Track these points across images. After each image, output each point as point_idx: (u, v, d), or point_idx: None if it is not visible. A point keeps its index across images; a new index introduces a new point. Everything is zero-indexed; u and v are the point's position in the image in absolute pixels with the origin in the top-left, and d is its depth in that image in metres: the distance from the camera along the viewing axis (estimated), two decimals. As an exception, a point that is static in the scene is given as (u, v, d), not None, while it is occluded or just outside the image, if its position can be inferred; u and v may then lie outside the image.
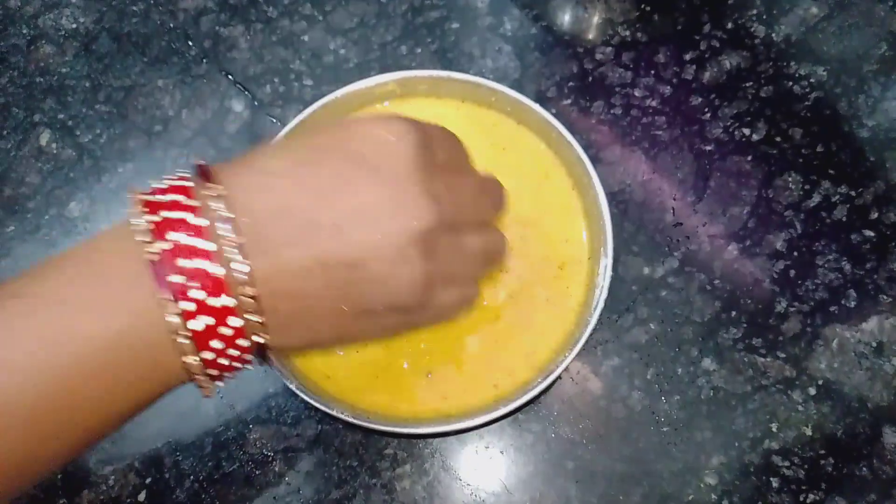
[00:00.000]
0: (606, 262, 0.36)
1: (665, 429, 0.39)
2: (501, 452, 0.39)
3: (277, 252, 0.24)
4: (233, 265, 0.23)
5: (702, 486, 0.38)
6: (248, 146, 0.45)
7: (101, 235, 0.24)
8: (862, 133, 0.45)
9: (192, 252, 0.23)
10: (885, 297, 0.41)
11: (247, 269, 0.23)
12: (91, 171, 0.45)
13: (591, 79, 0.46)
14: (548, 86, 0.46)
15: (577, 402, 0.40)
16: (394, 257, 0.25)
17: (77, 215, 0.45)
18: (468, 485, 0.38)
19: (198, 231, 0.23)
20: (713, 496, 0.38)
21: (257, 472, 0.38)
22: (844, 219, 0.43)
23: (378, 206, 0.25)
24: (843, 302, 0.41)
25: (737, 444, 0.38)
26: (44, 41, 0.49)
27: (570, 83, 0.46)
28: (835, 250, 0.42)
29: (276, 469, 0.38)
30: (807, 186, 0.43)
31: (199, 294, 0.23)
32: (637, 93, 0.46)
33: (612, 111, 0.46)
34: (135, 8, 0.50)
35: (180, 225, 0.23)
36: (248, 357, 0.25)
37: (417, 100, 0.42)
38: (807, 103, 0.45)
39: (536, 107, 0.39)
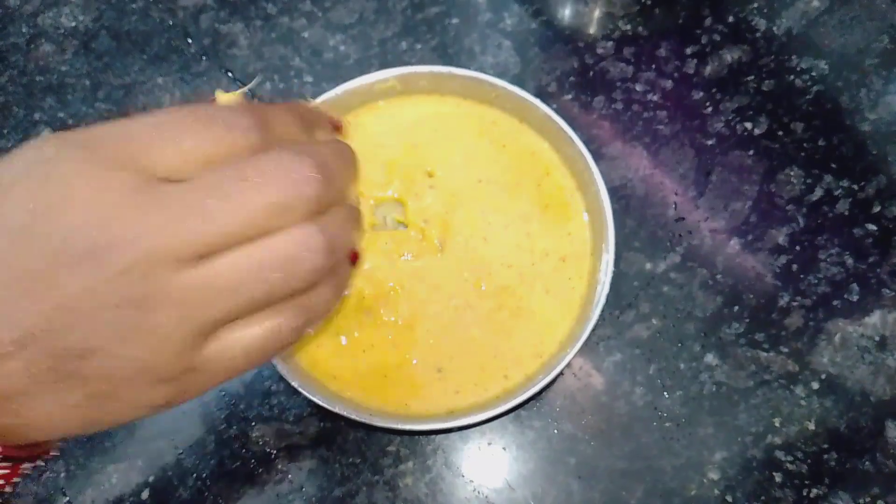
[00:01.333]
0: (608, 257, 0.36)
1: (667, 424, 0.39)
2: (504, 449, 0.39)
3: None
4: None
5: (705, 481, 0.38)
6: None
7: None
8: (864, 127, 0.44)
9: None
10: (887, 291, 0.41)
11: None
12: (91, 170, 0.45)
13: (591, 74, 0.46)
14: (548, 81, 0.46)
15: (580, 398, 0.40)
16: (98, 326, 0.19)
17: (78, 214, 0.45)
18: (471, 481, 0.38)
19: None
20: (716, 491, 0.38)
21: (260, 470, 0.38)
22: (847, 213, 0.43)
23: (58, 277, 0.19)
24: (845, 296, 0.41)
25: (739, 439, 0.38)
26: (43, 40, 0.49)
27: (571, 78, 0.46)
28: (837, 244, 0.42)
29: (279, 466, 0.38)
30: (809, 180, 0.43)
31: None
32: (638, 87, 0.46)
33: (613, 106, 0.45)
34: (134, 6, 0.50)
35: None
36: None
37: (419, 97, 0.42)
38: (808, 97, 0.45)
39: (537, 102, 0.39)
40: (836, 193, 0.43)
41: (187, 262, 0.19)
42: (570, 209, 0.40)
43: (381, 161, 0.40)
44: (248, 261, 0.20)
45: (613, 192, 0.42)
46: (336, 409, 0.34)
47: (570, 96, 0.46)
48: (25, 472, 0.22)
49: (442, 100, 0.41)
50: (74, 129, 0.20)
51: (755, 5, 0.47)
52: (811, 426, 0.39)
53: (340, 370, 0.37)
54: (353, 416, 0.34)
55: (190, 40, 0.48)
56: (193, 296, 0.19)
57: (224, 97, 0.27)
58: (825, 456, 0.38)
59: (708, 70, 0.46)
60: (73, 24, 0.49)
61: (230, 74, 0.47)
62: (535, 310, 0.38)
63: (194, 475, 0.38)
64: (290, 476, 0.38)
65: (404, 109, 0.41)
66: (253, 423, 0.39)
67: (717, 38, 0.47)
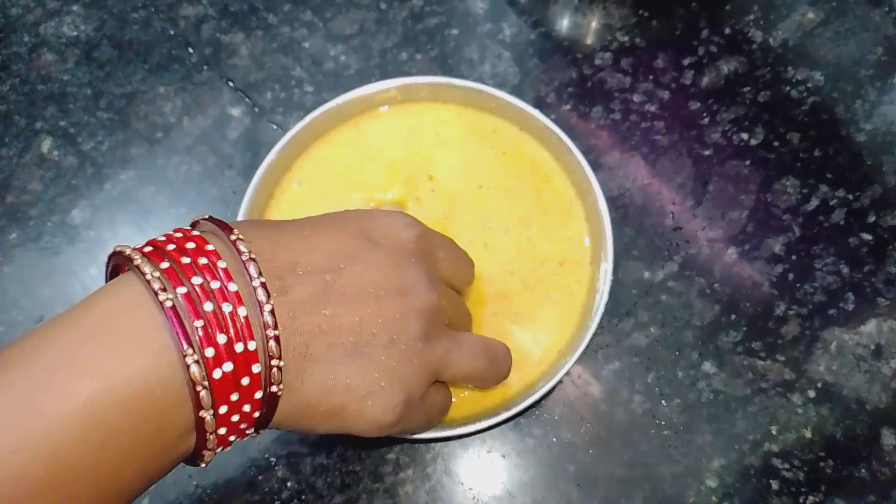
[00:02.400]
0: (607, 265, 0.37)
1: (666, 432, 0.39)
2: (503, 456, 0.39)
3: (296, 300, 0.25)
4: (263, 307, 0.23)
5: (702, 488, 0.38)
6: (249, 152, 0.46)
7: (103, 289, 0.23)
8: (859, 137, 0.45)
9: (215, 295, 0.22)
10: (883, 300, 0.41)
11: (270, 308, 0.23)
12: (93, 179, 0.46)
13: (590, 84, 0.47)
14: (547, 91, 0.47)
15: (579, 405, 0.40)
16: (398, 325, 0.27)
17: (79, 223, 0.45)
18: (470, 489, 0.38)
19: (218, 274, 0.22)
20: (714, 498, 0.38)
21: (260, 478, 0.39)
22: (842, 222, 0.43)
23: (388, 285, 0.27)
24: (841, 305, 0.41)
25: (737, 447, 0.39)
26: (45, 49, 0.49)
27: (570, 89, 0.47)
28: (833, 254, 0.42)
29: (279, 474, 0.39)
30: (805, 190, 0.44)
31: (222, 338, 0.22)
32: (636, 98, 0.46)
33: (611, 116, 0.46)
34: (136, 15, 0.50)
35: (199, 270, 0.22)
36: (255, 416, 0.24)
37: (420, 104, 0.42)
38: (804, 108, 0.46)
39: (536, 113, 0.39)
40: (832, 203, 0.43)
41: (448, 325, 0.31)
42: (570, 215, 0.40)
43: (382, 164, 0.41)
44: (481, 347, 0.32)
45: (612, 201, 0.43)
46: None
47: (568, 106, 0.46)
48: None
49: (443, 107, 0.42)
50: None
51: (751, 17, 0.48)
52: (808, 434, 0.39)
53: None
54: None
55: (191, 50, 0.49)
56: (447, 343, 0.30)
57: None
58: (822, 463, 0.38)
59: (705, 81, 0.47)
60: (75, 33, 0.50)
61: (231, 84, 0.48)
62: (534, 316, 0.38)
63: (195, 483, 0.39)
64: (289, 483, 0.38)
65: (408, 115, 0.42)
66: (253, 431, 0.39)
67: (713, 49, 0.47)
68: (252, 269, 0.23)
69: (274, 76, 0.48)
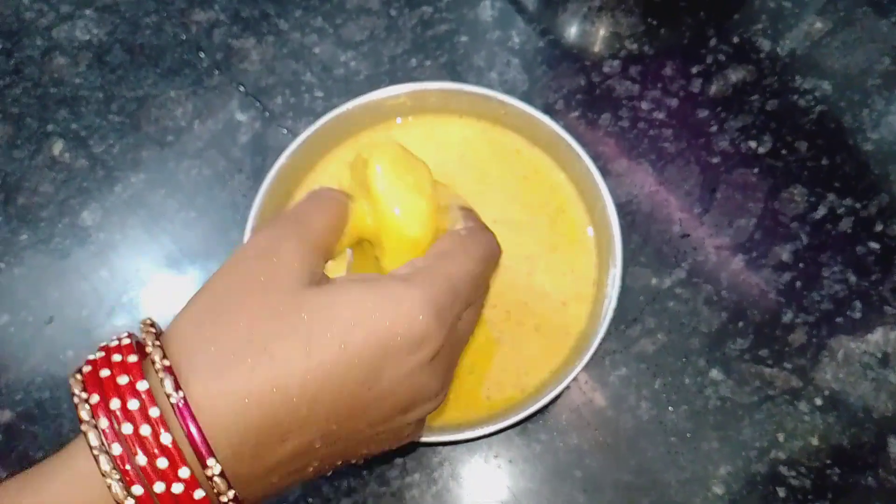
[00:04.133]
0: (615, 272, 0.37)
1: (672, 439, 0.39)
2: (510, 462, 0.39)
3: (265, 467, 0.23)
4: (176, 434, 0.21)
5: (709, 495, 0.38)
6: (259, 157, 0.46)
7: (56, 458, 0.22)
8: (866, 146, 0.45)
9: (146, 447, 0.21)
10: (890, 308, 0.41)
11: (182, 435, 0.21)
12: (104, 181, 0.46)
13: (598, 92, 0.47)
14: (556, 98, 0.47)
15: (585, 411, 0.40)
16: (415, 391, 0.25)
17: (90, 224, 0.45)
18: (477, 494, 0.38)
19: (151, 421, 0.21)
20: (721, 506, 0.38)
21: (268, 480, 0.39)
22: (850, 231, 0.43)
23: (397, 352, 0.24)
24: (848, 313, 0.41)
25: (744, 454, 0.39)
26: (57, 52, 0.50)
27: (578, 96, 0.47)
28: (840, 262, 0.42)
29: (287, 477, 0.39)
30: (812, 199, 0.44)
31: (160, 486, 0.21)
32: (644, 105, 0.46)
33: (619, 124, 0.46)
34: (148, 20, 0.50)
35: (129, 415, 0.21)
36: None
37: (448, 118, 0.42)
38: (812, 117, 0.46)
39: (546, 119, 0.40)
40: (840, 212, 0.44)
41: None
42: (580, 247, 0.40)
43: None
44: (474, 309, 0.29)
45: (619, 208, 0.43)
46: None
47: (576, 113, 0.46)
48: None
49: (469, 123, 0.42)
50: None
51: (759, 26, 0.48)
52: (814, 441, 0.39)
53: None
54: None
55: (203, 55, 0.49)
56: (457, 348, 0.28)
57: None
58: (828, 471, 0.38)
59: (713, 89, 0.47)
60: (88, 37, 0.50)
61: (242, 88, 0.48)
62: (524, 345, 0.38)
63: (202, 485, 0.39)
64: (297, 488, 0.39)
65: (435, 129, 0.42)
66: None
67: (721, 58, 0.47)
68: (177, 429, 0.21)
69: (284, 81, 0.48)
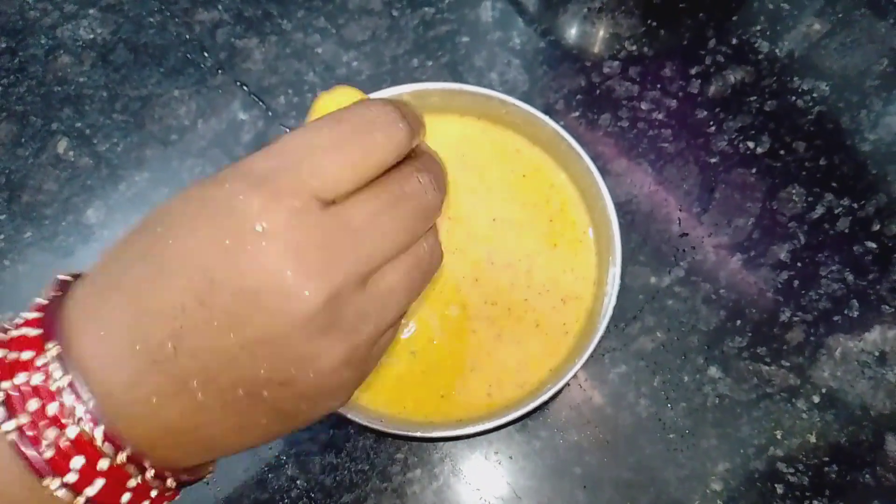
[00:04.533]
0: (615, 270, 0.37)
1: (671, 436, 0.40)
2: (510, 458, 0.39)
3: (141, 398, 0.20)
4: (92, 433, 0.20)
5: (708, 492, 0.38)
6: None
7: None
8: (864, 147, 0.45)
9: (55, 420, 0.20)
10: (887, 307, 0.42)
11: (100, 432, 0.20)
12: (108, 180, 0.46)
13: (598, 92, 0.47)
14: (556, 99, 0.47)
15: (585, 408, 0.40)
16: (294, 359, 0.20)
17: (94, 222, 0.45)
18: (477, 490, 0.39)
19: (50, 395, 0.20)
20: (719, 502, 0.38)
21: (270, 476, 0.39)
22: (847, 230, 0.44)
23: (251, 315, 0.20)
24: (846, 312, 0.42)
25: (742, 451, 0.39)
26: (62, 51, 0.50)
27: (578, 96, 0.47)
28: (838, 261, 0.43)
29: (289, 472, 0.39)
30: (810, 199, 0.44)
31: (79, 461, 0.20)
32: (643, 106, 0.47)
33: (619, 124, 0.47)
34: (151, 20, 0.51)
35: (35, 391, 0.20)
36: (174, 487, 0.22)
37: (448, 117, 0.42)
38: (810, 117, 0.46)
39: (546, 119, 0.40)
40: (837, 211, 0.44)
41: (362, 284, 0.21)
42: (580, 246, 0.40)
43: None
44: (402, 273, 0.23)
45: (619, 207, 0.43)
46: (349, 416, 0.35)
47: (576, 114, 0.47)
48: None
49: (467, 122, 0.42)
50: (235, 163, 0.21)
51: (758, 28, 0.49)
52: (812, 439, 0.39)
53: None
54: (364, 423, 0.35)
55: (206, 54, 0.49)
56: (368, 313, 0.21)
57: (343, 92, 0.27)
58: (826, 468, 0.39)
59: (712, 90, 0.47)
60: (92, 36, 0.51)
61: (245, 88, 0.48)
62: (525, 342, 0.38)
63: (206, 483, 0.39)
64: (298, 482, 0.39)
65: (437, 128, 0.42)
66: (263, 430, 0.40)
67: (720, 59, 0.48)
68: (67, 397, 0.20)
69: (287, 81, 0.48)
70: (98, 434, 0.20)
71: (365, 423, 0.35)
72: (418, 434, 0.35)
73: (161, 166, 0.47)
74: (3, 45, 0.50)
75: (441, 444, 0.40)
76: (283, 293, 0.19)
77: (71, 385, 0.20)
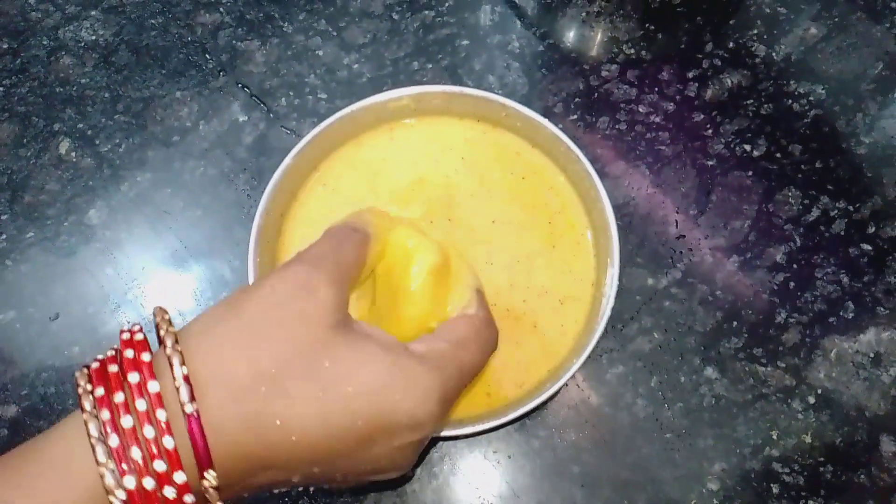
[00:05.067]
0: (613, 271, 0.37)
1: (668, 435, 0.40)
2: (509, 457, 0.40)
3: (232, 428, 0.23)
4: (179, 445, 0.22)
5: (704, 491, 0.39)
6: (263, 157, 0.47)
7: (52, 431, 0.23)
8: (860, 150, 0.46)
9: (146, 443, 0.21)
10: (882, 309, 0.42)
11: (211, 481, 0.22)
12: (110, 180, 0.47)
13: (596, 95, 0.48)
14: (554, 102, 0.48)
15: (583, 408, 0.41)
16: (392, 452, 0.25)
17: (96, 223, 0.46)
18: (476, 488, 0.39)
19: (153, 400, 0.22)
20: (715, 501, 0.39)
21: (270, 475, 0.39)
22: (843, 233, 0.44)
23: (373, 382, 0.24)
24: (841, 314, 0.42)
25: (738, 451, 0.40)
26: (64, 52, 0.50)
27: (577, 99, 0.48)
28: (833, 263, 0.43)
29: (289, 471, 0.39)
30: (806, 201, 0.45)
31: (149, 482, 0.21)
32: (641, 109, 0.47)
33: (616, 127, 0.47)
34: (153, 21, 0.51)
35: (131, 408, 0.22)
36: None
37: (450, 119, 0.43)
38: (806, 121, 0.47)
39: (545, 122, 0.40)
40: (833, 214, 0.44)
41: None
42: (579, 248, 0.41)
43: (409, 177, 0.42)
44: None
45: (617, 209, 0.44)
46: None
47: (575, 116, 0.47)
48: None
49: (467, 124, 0.43)
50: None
51: (755, 32, 0.49)
52: (808, 439, 0.40)
53: None
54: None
55: (208, 56, 0.50)
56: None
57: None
58: (821, 469, 0.39)
59: (709, 93, 0.48)
60: (94, 37, 0.51)
61: (246, 90, 0.49)
62: (523, 343, 0.39)
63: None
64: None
65: (439, 130, 0.43)
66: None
67: (717, 62, 0.48)
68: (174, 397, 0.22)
69: (288, 83, 0.49)
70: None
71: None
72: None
73: (163, 167, 0.47)
74: (6, 46, 0.51)
75: (440, 443, 0.40)
76: (420, 421, 0.25)
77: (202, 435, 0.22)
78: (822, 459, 0.39)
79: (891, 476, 0.39)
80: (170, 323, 0.24)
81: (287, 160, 0.40)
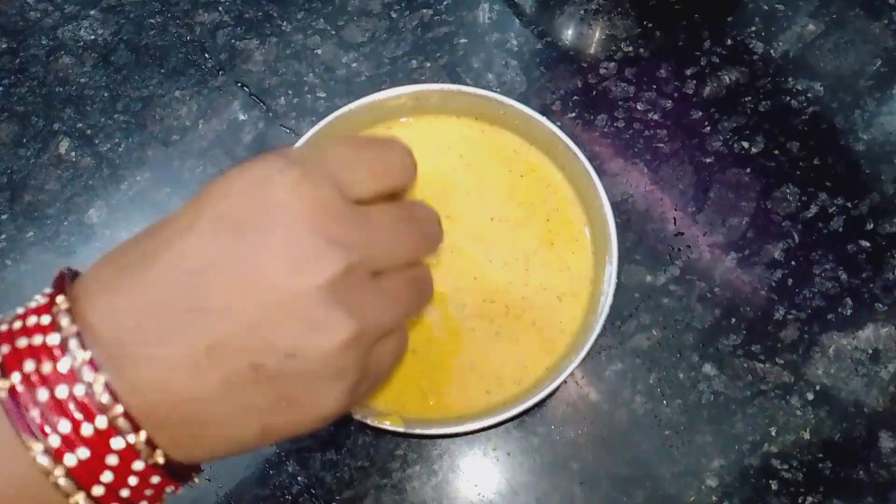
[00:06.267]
0: (611, 269, 0.38)
1: (667, 432, 0.40)
2: (508, 454, 0.40)
3: (145, 356, 0.20)
4: (92, 384, 0.20)
5: (703, 488, 0.39)
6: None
7: None
8: (857, 146, 0.46)
9: (47, 379, 0.20)
10: (880, 305, 0.42)
11: (101, 383, 0.20)
12: (110, 180, 0.47)
13: (594, 93, 0.48)
14: (553, 100, 0.48)
15: (582, 405, 0.41)
16: (304, 325, 0.21)
17: (96, 222, 0.46)
18: (475, 485, 0.39)
19: (49, 353, 0.20)
20: (714, 498, 0.39)
21: (271, 472, 0.39)
22: (841, 229, 0.44)
23: (269, 273, 0.20)
24: (839, 310, 0.42)
25: (737, 448, 0.40)
26: (63, 52, 0.51)
27: (575, 97, 0.48)
28: (831, 260, 0.43)
29: (290, 469, 0.39)
30: (804, 198, 0.45)
31: (66, 425, 0.20)
32: (639, 107, 0.47)
33: (615, 124, 0.47)
34: (152, 21, 0.51)
35: (33, 352, 0.20)
36: (158, 480, 0.21)
37: (447, 118, 0.43)
38: (804, 117, 0.47)
39: (543, 119, 0.40)
40: (831, 211, 0.44)
41: (372, 277, 0.23)
42: (577, 245, 0.41)
43: None
44: (406, 281, 0.25)
45: (615, 206, 0.44)
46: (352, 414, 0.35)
47: (573, 114, 0.47)
48: (165, 495, 0.23)
49: (465, 122, 0.43)
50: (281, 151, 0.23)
51: (753, 29, 0.49)
52: (806, 436, 0.40)
53: None
54: (366, 420, 0.35)
55: (207, 55, 0.50)
56: (374, 303, 0.23)
57: None
58: (820, 465, 0.39)
59: (707, 91, 0.48)
60: (93, 37, 0.51)
61: (245, 89, 0.49)
62: (520, 340, 0.39)
63: (208, 479, 0.39)
64: (299, 478, 0.39)
65: (436, 129, 0.43)
66: (264, 427, 0.40)
67: (715, 60, 0.48)
68: (73, 344, 0.20)
69: (287, 82, 0.49)
70: (99, 387, 0.20)
71: (366, 420, 0.35)
72: (417, 431, 0.36)
73: (162, 166, 0.47)
74: (5, 46, 0.51)
75: (440, 440, 0.40)
76: (304, 257, 0.21)
77: (78, 335, 0.20)
78: (820, 455, 0.40)
79: (889, 472, 0.39)
80: (67, 274, 0.22)
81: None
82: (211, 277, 0.20)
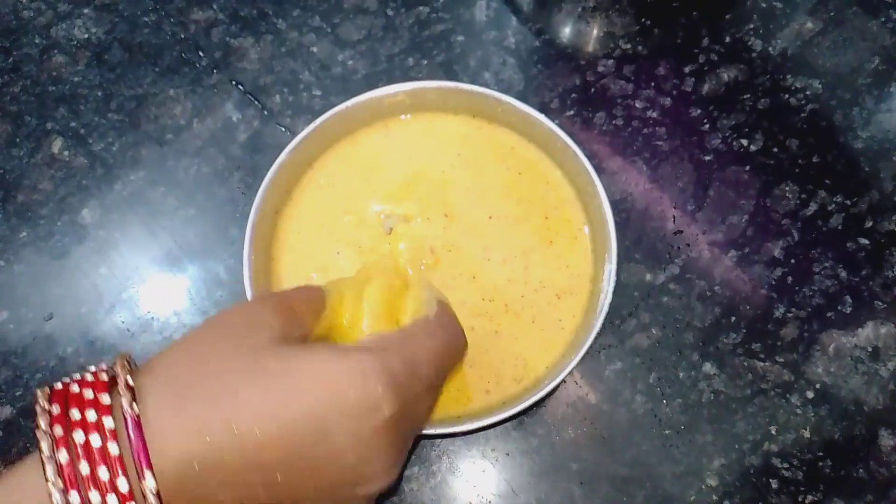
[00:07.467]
0: (610, 267, 0.37)
1: (667, 432, 0.40)
2: (507, 455, 0.40)
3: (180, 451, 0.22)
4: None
5: (703, 487, 0.39)
6: (257, 154, 0.46)
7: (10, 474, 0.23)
8: (856, 144, 0.46)
9: (99, 485, 0.21)
10: (879, 303, 0.42)
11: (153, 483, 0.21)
12: (103, 179, 0.46)
13: (593, 91, 0.48)
14: (551, 97, 0.47)
15: (581, 405, 0.40)
16: (358, 455, 0.25)
17: (89, 222, 0.45)
18: (474, 486, 0.39)
19: (108, 459, 0.21)
20: (714, 497, 0.38)
21: (267, 474, 0.39)
22: (840, 227, 0.44)
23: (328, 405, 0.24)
24: (839, 308, 0.42)
25: (737, 447, 0.39)
26: (56, 51, 0.50)
27: (573, 95, 0.47)
28: (831, 258, 0.43)
29: (287, 471, 0.39)
30: (803, 196, 0.45)
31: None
32: (638, 104, 0.47)
33: (613, 122, 0.47)
34: (146, 19, 0.51)
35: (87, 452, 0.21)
36: None
37: (446, 116, 0.42)
38: (803, 115, 0.47)
39: (541, 117, 0.40)
40: (830, 208, 0.44)
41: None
42: (576, 243, 0.40)
43: (405, 172, 0.41)
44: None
45: (614, 205, 0.43)
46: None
47: (571, 112, 0.47)
48: None
49: (462, 120, 0.42)
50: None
51: (751, 26, 0.49)
52: (806, 434, 0.40)
53: None
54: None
55: (201, 53, 0.49)
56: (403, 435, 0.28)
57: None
58: (820, 463, 0.39)
59: (705, 88, 0.47)
60: (86, 35, 0.50)
61: (240, 87, 0.48)
62: (520, 339, 0.39)
63: (203, 479, 0.39)
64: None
65: (434, 126, 0.42)
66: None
67: (714, 57, 0.48)
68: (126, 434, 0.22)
69: (282, 80, 0.48)
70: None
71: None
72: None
73: (156, 165, 0.47)
74: (-3, 45, 0.50)
75: (439, 441, 0.40)
76: (370, 404, 0.25)
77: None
78: (820, 454, 0.39)
79: (889, 470, 0.39)
80: (128, 360, 0.24)
81: (281, 157, 0.39)
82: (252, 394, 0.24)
